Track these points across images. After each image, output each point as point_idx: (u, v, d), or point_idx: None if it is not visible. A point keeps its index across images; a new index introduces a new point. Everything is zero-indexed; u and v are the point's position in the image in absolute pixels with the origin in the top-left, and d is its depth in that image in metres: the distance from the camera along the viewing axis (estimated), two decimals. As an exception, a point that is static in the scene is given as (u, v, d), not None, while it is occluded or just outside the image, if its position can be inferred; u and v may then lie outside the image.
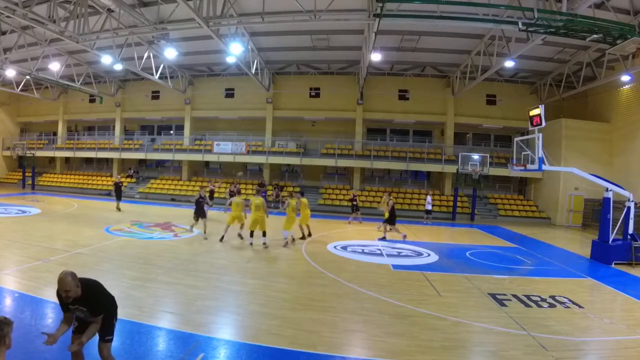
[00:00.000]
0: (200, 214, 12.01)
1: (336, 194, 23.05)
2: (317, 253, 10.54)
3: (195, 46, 19.73)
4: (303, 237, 12.40)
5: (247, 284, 7.46)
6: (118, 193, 18.16)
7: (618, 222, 11.00)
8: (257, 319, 5.68)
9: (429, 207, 19.22)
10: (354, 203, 18.09)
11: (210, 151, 24.42)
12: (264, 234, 10.83)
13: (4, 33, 18.30)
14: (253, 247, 10.76)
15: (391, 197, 13.68)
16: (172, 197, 23.98)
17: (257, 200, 10.87)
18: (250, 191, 23.61)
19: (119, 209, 17.38)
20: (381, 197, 16.87)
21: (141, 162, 28.48)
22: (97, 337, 3.70)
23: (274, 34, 18.28)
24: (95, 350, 3.76)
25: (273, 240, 11.31)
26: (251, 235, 10.87)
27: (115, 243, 10.63)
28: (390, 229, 13.10)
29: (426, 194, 20.34)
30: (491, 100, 23.31)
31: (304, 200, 12.60)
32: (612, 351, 5.30)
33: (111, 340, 3.80)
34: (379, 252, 11.08)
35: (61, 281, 3.32)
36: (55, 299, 5.98)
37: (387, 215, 13.09)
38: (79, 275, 3.46)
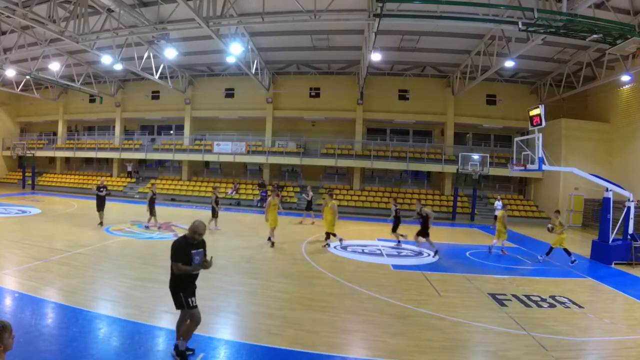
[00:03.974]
0: (151, 210, 13.57)
1: (336, 194, 23.02)
2: (317, 253, 10.55)
3: (195, 46, 19.73)
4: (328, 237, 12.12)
5: (247, 284, 7.46)
6: (99, 203, 13.25)
7: (618, 222, 11.01)
8: (257, 319, 5.68)
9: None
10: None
11: (210, 151, 24.42)
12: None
13: (4, 33, 18.31)
14: (253, 247, 10.82)
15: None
16: (172, 197, 23.97)
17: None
18: (250, 191, 23.67)
19: (101, 223, 13.12)
20: (556, 215, 10.92)
21: (141, 162, 28.48)
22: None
23: (274, 34, 18.27)
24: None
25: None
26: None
27: (115, 243, 10.63)
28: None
29: (495, 199, 18.89)
30: (491, 100, 23.31)
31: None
32: (612, 351, 5.31)
33: None
34: (379, 252, 11.09)
35: (201, 225, 4.34)
36: (55, 298, 5.95)
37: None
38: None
